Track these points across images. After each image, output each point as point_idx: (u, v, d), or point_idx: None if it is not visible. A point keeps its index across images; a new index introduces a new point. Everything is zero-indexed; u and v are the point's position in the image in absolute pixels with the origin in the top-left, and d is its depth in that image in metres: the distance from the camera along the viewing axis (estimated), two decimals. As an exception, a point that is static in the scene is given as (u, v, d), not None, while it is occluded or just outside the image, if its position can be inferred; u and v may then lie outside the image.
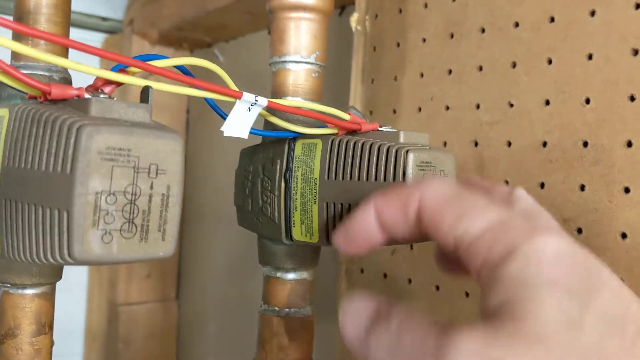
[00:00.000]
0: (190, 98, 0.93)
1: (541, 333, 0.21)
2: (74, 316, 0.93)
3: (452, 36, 0.50)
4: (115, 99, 0.24)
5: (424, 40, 0.52)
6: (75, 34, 0.95)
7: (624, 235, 0.39)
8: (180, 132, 0.92)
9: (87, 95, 0.24)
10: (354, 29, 0.57)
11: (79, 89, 0.25)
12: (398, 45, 0.54)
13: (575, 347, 0.21)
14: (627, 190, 0.39)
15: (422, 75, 0.52)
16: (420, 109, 0.52)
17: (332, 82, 0.68)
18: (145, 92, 0.25)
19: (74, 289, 0.92)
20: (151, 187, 0.23)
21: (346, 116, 0.34)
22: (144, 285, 0.90)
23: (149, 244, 0.23)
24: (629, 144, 0.39)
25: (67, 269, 0.92)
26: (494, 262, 0.23)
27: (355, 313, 0.25)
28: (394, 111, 0.54)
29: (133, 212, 0.23)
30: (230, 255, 0.85)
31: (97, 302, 0.91)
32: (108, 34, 0.93)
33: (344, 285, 0.58)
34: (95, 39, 0.93)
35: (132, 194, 0.23)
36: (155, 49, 0.86)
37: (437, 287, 0.50)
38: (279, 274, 0.41)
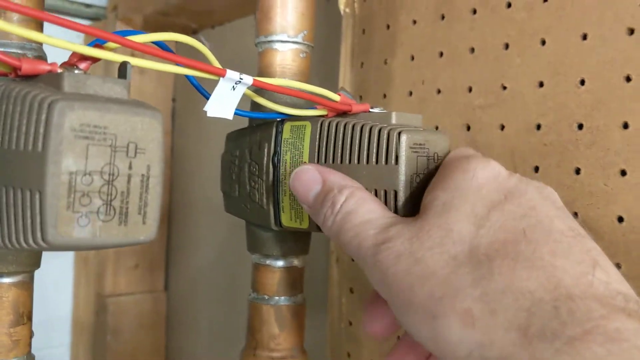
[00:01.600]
0: (176, 86, 0.91)
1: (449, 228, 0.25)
2: (60, 308, 0.91)
3: (443, 17, 0.49)
4: (90, 74, 0.23)
5: (415, 21, 0.51)
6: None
7: (620, 219, 0.38)
8: (167, 122, 0.90)
9: (60, 71, 0.23)
10: (342, 12, 0.56)
11: (52, 64, 0.23)
12: (388, 27, 0.53)
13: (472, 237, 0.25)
14: (623, 173, 0.38)
15: (412, 58, 0.51)
16: (411, 93, 0.51)
17: (320, 68, 0.67)
18: (123, 68, 0.24)
19: (60, 280, 0.91)
20: (130, 167, 0.22)
21: (336, 97, 0.33)
22: (131, 276, 0.88)
23: (128, 227, 0.22)
24: (625, 126, 0.38)
25: (51, 260, 0.90)
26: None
27: (308, 177, 0.32)
28: (385, 95, 0.53)
29: (111, 194, 0.21)
30: (219, 246, 0.83)
31: (85, 294, 0.90)
32: (92, 21, 0.91)
33: (336, 274, 0.57)
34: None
35: (109, 174, 0.21)
36: (140, 36, 0.84)
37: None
38: (268, 262, 0.40)
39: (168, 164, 0.90)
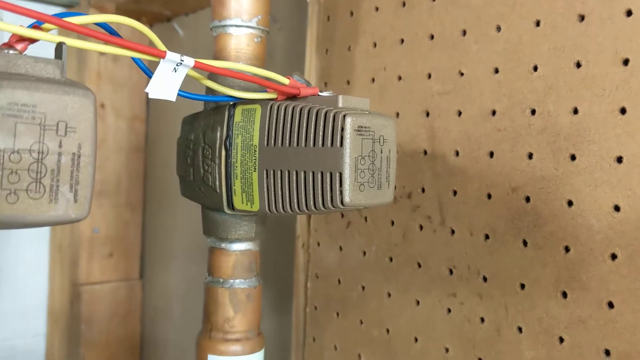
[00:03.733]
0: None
1: None
2: (36, 296, 0.91)
3: (404, 4, 0.49)
4: (25, 54, 0.23)
5: (377, 8, 0.51)
6: (33, 6, 0.92)
7: (570, 203, 0.39)
8: (141, 109, 0.90)
9: (-6, 51, 0.23)
10: (308, -1, 0.56)
11: (-14, 44, 0.23)
12: (351, 14, 0.53)
13: None
14: (573, 157, 0.39)
15: (375, 45, 0.51)
16: (373, 80, 0.52)
17: (289, 54, 0.67)
18: (58, 49, 0.24)
19: (35, 269, 0.90)
20: (60, 146, 0.22)
21: (285, 80, 0.34)
22: (105, 265, 0.88)
23: (59, 205, 0.22)
24: (575, 111, 0.39)
25: (26, 248, 0.89)
26: None
27: None
28: (348, 82, 0.54)
29: (40, 172, 0.22)
30: (194, 234, 0.84)
31: (59, 282, 0.90)
32: (66, 8, 0.91)
33: (301, 260, 0.58)
34: (53, 12, 0.91)
35: (39, 152, 0.21)
36: (113, 23, 0.84)
37: (391, 259, 0.50)
38: (223, 245, 0.40)
39: (142, 150, 0.90)
